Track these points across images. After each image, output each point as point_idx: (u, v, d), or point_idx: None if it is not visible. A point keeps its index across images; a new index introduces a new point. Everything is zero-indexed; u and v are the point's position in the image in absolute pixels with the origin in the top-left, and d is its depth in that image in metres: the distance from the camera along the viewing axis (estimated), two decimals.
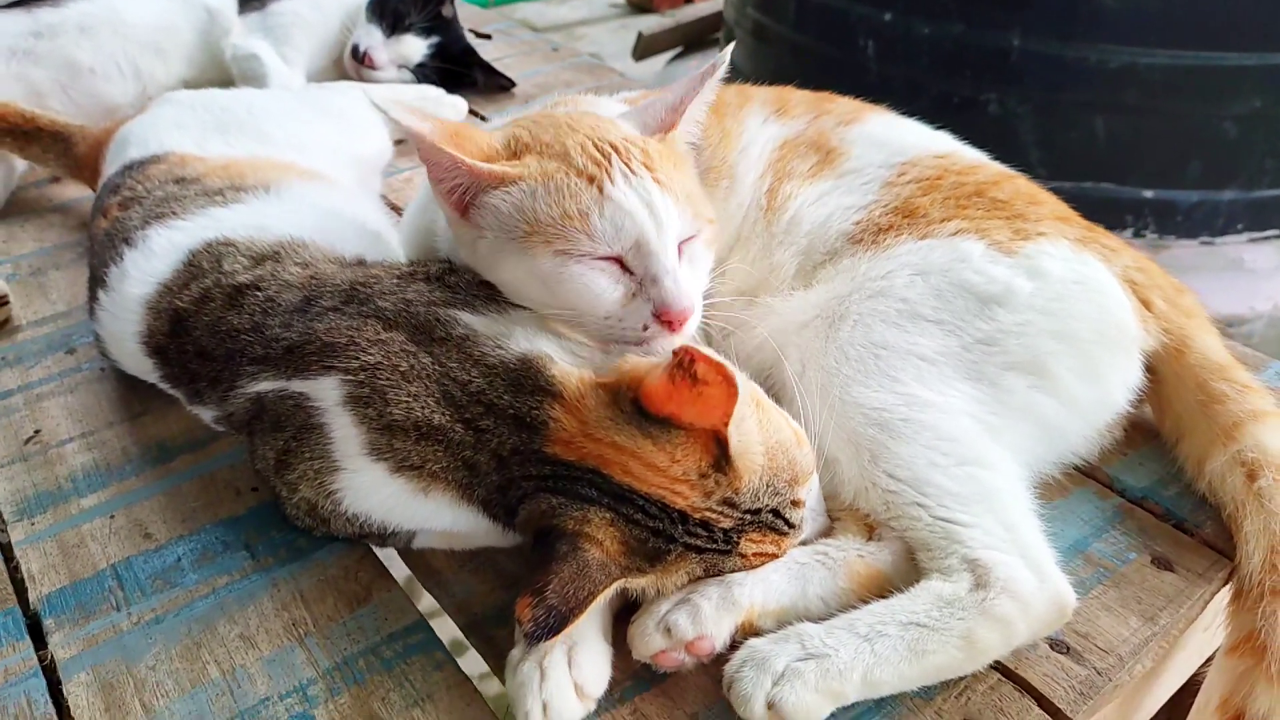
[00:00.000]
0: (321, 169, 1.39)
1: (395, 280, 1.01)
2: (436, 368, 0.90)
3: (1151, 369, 1.09)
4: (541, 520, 0.86)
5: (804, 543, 0.95)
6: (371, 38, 1.91)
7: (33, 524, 1.06)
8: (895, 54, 2.87)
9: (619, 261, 0.92)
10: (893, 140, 1.21)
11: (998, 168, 1.20)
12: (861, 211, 1.13)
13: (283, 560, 1.00)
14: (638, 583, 0.86)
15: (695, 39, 5.04)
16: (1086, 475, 1.10)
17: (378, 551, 1.02)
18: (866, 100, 1.28)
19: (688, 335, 0.94)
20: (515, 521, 0.89)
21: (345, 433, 0.91)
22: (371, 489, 0.91)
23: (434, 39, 1.96)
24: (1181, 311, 1.10)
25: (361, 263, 1.10)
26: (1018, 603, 0.87)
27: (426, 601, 0.98)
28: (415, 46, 1.93)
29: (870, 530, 0.96)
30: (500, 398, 0.88)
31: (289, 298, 1.01)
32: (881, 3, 2.84)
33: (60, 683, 0.89)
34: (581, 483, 0.85)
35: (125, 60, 1.84)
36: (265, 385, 0.96)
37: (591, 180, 0.91)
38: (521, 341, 0.92)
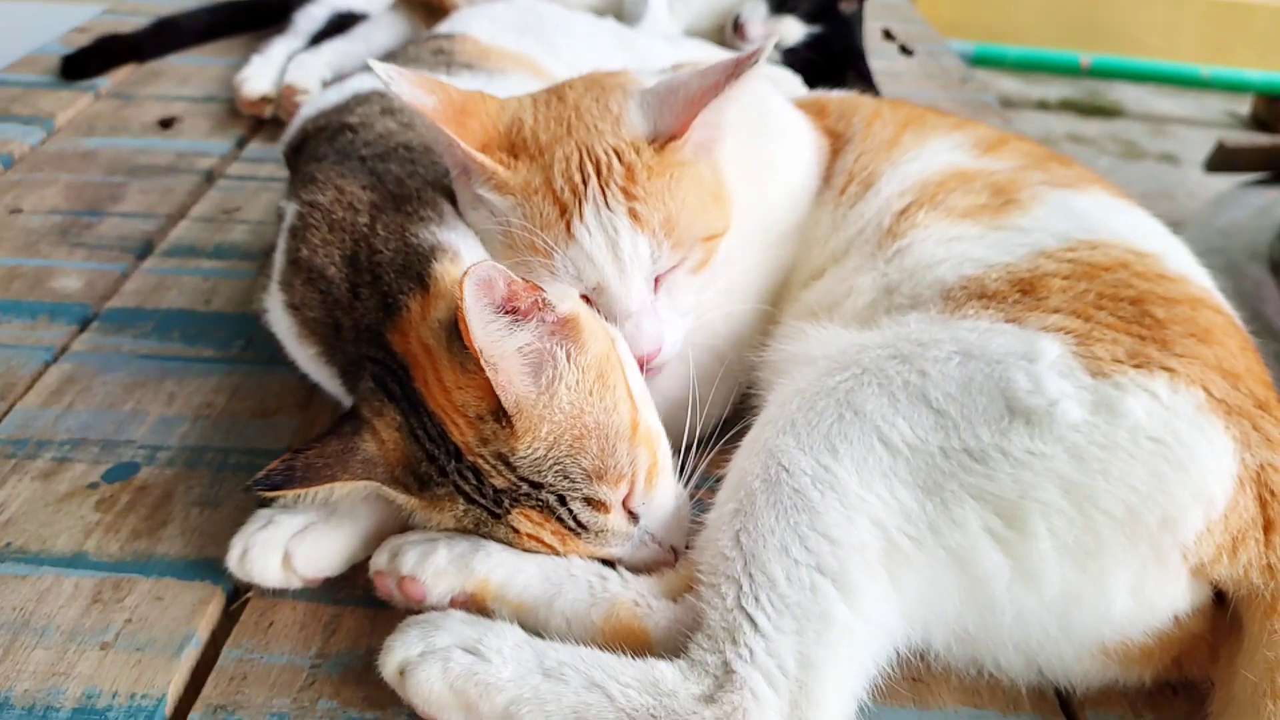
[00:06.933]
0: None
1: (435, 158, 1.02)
2: (365, 230, 0.90)
3: (1239, 618, 0.73)
4: (357, 400, 0.84)
5: (609, 564, 0.80)
6: (755, 11, 1.91)
7: (162, 261, 1.28)
8: None
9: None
10: (1094, 217, 0.93)
11: (1201, 292, 0.87)
12: (981, 268, 0.89)
13: (257, 361, 1.09)
14: (399, 499, 0.80)
15: None
16: (1065, 710, 0.77)
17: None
18: None
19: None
20: None
21: (279, 256, 0.95)
22: (277, 316, 0.95)
23: (815, 29, 1.89)
24: None
25: None
26: None
27: None
28: (792, 30, 1.89)
29: (682, 589, 0.78)
30: (387, 274, 0.86)
31: (358, 140, 1.08)
32: None
33: (52, 363, 1.08)
34: (393, 377, 0.81)
35: None
36: (283, 201, 1.05)
37: (563, 213, 0.86)
38: (450, 234, 0.89)
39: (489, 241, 0.91)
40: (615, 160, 0.87)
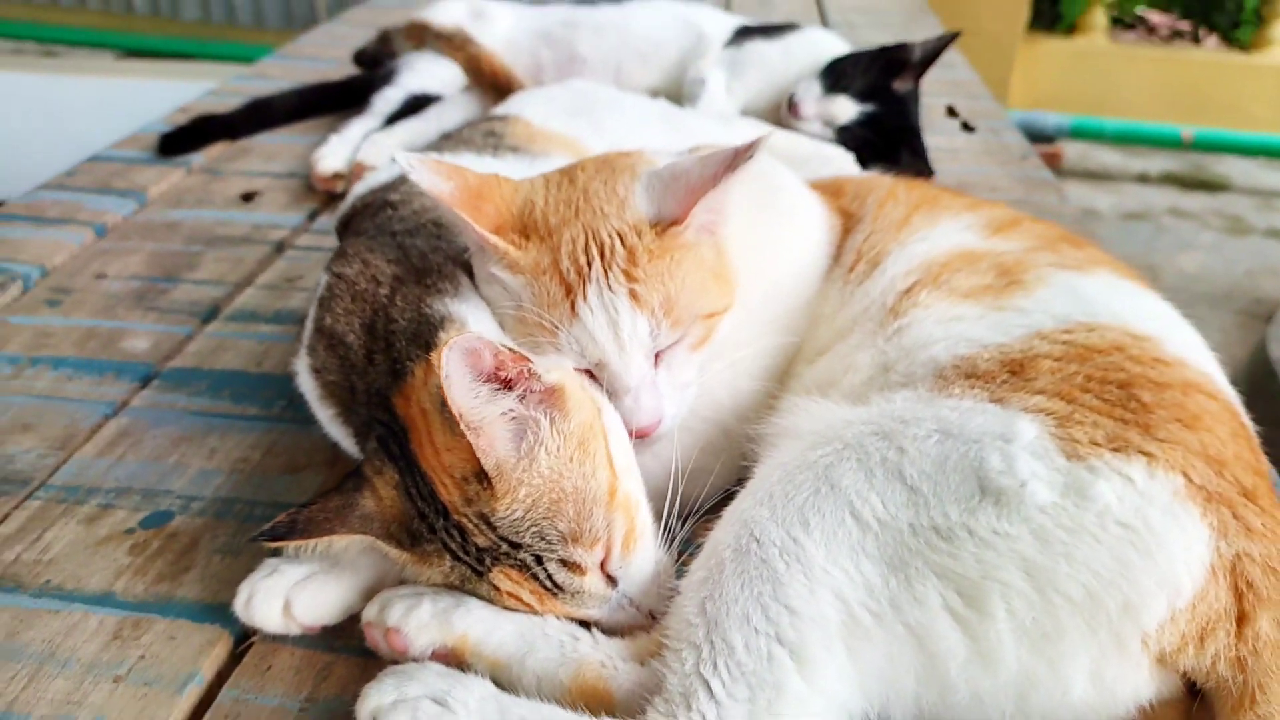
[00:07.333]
0: None
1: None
2: (385, 301, 0.97)
3: (1213, 713, 0.72)
4: (362, 459, 0.89)
5: (585, 624, 0.83)
6: (808, 90, 1.95)
7: (225, 325, 1.38)
8: None
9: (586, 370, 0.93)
10: (1098, 300, 0.93)
11: (1197, 377, 0.86)
12: (976, 348, 0.90)
13: (294, 420, 1.16)
14: (393, 554, 0.85)
15: None
16: None
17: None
18: None
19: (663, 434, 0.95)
20: None
21: (308, 323, 1.03)
22: (303, 379, 1.02)
23: (869, 107, 1.92)
24: None
25: None
26: None
27: None
28: (845, 108, 1.92)
29: (651, 653, 0.80)
30: (399, 341, 0.92)
31: (395, 217, 1.16)
32: None
33: (111, 417, 1.17)
34: (394, 438, 0.87)
35: (614, 60, 2.14)
36: (321, 273, 1.13)
37: (568, 293, 0.91)
38: (461, 305, 0.95)
39: (502, 317, 0.96)
40: (618, 243, 0.92)
